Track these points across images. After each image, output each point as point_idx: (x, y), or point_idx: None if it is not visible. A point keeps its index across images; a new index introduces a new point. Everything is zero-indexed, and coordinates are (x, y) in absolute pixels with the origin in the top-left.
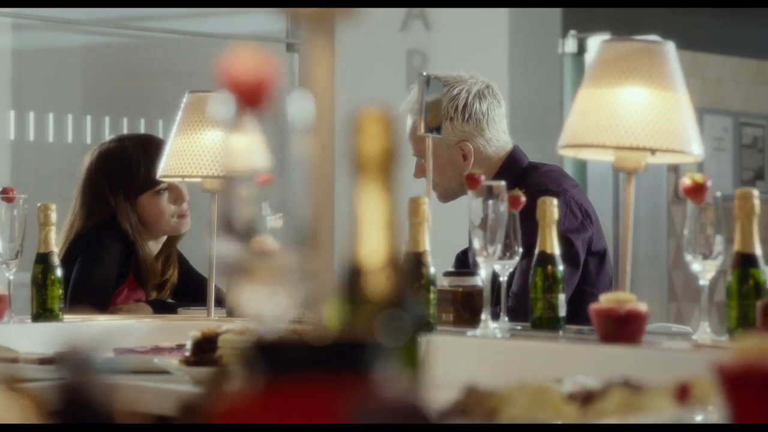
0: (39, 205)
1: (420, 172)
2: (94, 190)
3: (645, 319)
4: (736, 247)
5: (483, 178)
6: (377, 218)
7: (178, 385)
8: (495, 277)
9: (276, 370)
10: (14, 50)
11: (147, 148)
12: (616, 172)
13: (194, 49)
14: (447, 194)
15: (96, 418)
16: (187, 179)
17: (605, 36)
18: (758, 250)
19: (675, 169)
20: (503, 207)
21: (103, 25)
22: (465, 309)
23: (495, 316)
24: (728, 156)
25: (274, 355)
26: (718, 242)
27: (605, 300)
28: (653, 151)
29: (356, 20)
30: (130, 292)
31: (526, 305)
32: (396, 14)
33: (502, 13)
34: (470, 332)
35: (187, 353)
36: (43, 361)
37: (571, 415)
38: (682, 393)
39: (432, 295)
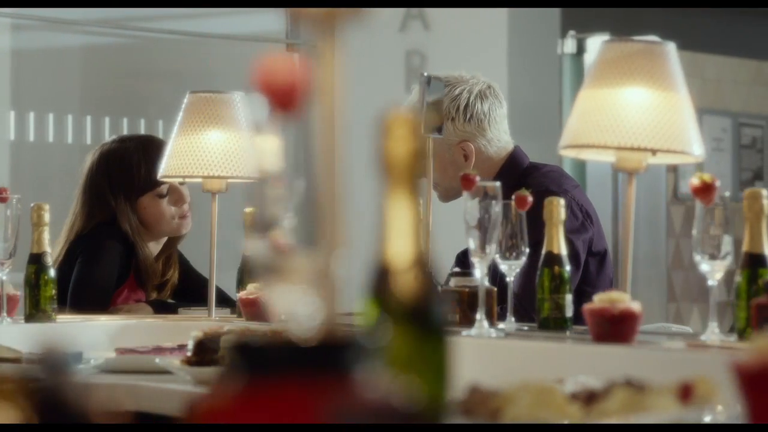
0: (32, 205)
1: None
2: (94, 190)
3: (638, 319)
4: (745, 247)
5: (478, 178)
6: (404, 219)
7: (179, 386)
8: (502, 277)
9: (256, 370)
10: (13, 50)
11: (148, 149)
12: (615, 173)
13: (194, 49)
14: (448, 194)
15: (71, 418)
16: (187, 180)
17: (604, 36)
18: None
19: (674, 170)
20: (498, 207)
21: (103, 25)
22: (471, 309)
23: (502, 316)
24: (727, 156)
25: (254, 356)
26: (727, 242)
27: (599, 300)
28: (654, 152)
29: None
30: (130, 292)
31: (526, 305)
32: (395, 15)
33: (501, 14)
34: (465, 332)
35: (189, 353)
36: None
37: (574, 414)
38: (685, 393)
39: None
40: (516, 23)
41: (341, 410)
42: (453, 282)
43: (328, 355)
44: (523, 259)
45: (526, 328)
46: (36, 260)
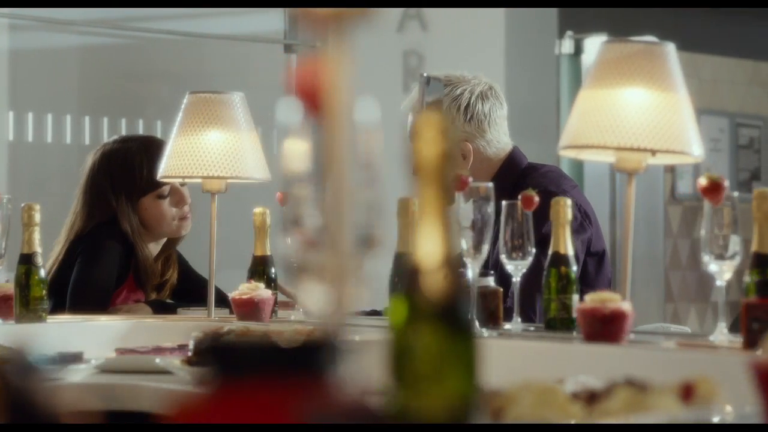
0: (23, 205)
1: None
2: (95, 190)
3: (629, 319)
4: (754, 247)
5: (470, 179)
6: (434, 219)
7: (179, 385)
8: (508, 277)
9: (229, 371)
10: (11, 51)
11: (150, 150)
12: (612, 173)
13: (192, 49)
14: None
15: (38, 419)
16: (187, 180)
17: (602, 37)
18: None
19: (671, 170)
20: (490, 208)
21: (101, 25)
22: (479, 309)
23: (508, 316)
24: (725, 157)
25: (226, 357)
26: (735, 242)
27: (590, 300)
28: (654, 152)
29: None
30: (129, 293)
31: (525, 305)
32: (392, 15)
33: (498, 14)
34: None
35: (190, 353)
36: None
37: (577, 414)
38: (687, 392)
39: None
40: (513, 23)
41: (313, 411)
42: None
43: (302, 357)
44: (530, 259)
45: (532, 328)
46: (27, 260)
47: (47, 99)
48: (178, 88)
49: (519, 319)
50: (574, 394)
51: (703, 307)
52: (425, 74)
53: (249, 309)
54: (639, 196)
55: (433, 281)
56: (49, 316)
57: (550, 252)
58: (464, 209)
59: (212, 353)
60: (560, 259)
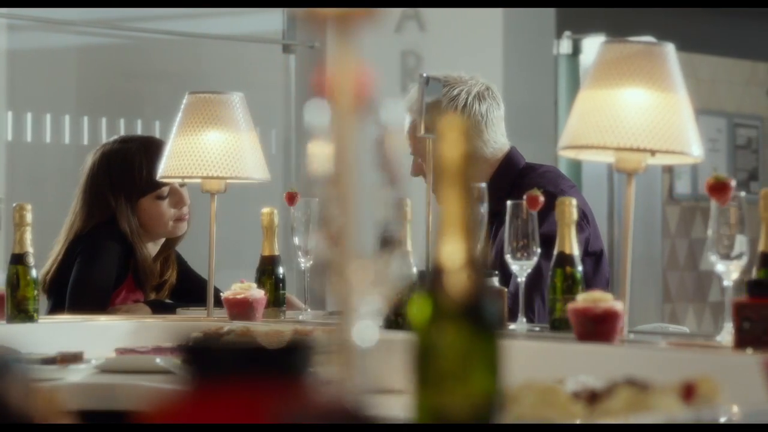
0: (14, 205)
1: (416, 170)
2: (95, 190)
3: (621, 319)
4: (761, 247)
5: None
6: (457, 219)
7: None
8: (507, 277)
9: (205, 372)
10: (9, 51)
11: (150, 150)
12: (610, 174)
13: (191, 49)
14: None
15: (12, 419)
16: (186, 180)
17: (600, 37)
18: None
19: (669, 170)
20: (483, 209)
21: (99, 26)
22: None
23: (514, 316)
24: (722, 157)
25: (203, 358)
26: (741, 242)
27: (582, 299)
28: (653, 153)
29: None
30: (128, 293)
31: (524, 305)
32: (390, 15)
33: (496, 14)
34: None
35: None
36: (46, 361)
37: (578, 413)
38: (688, 392)
39: None
40: (511, 24)
41: (290, 411)
42: None
43: (280, 358)
44: (535, 259)
45: (537, 329)
46: (18, 260)
47: (46, 99)
48: (177, 88)
49: (524, 320)
50: (575, 393)
51: (701, 307)
52: (425, 74)
53: (243, 309)
54: (637, 196)
55: (457, 281)
56: (48, 316)
57: (555, 252)
58: None
59: (189, 353)
60: (565, 259)
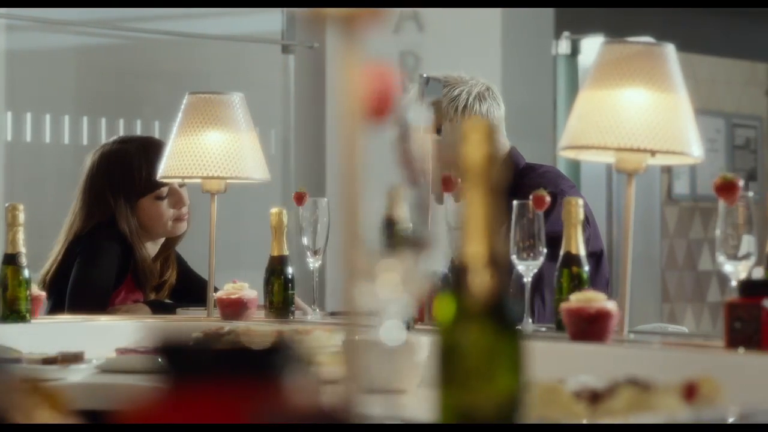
0: (7, 205)
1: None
2: (94, 191)
3: (614, 318)
4: None
5: (459, 180)
6: (480, 220)
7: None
8: (520, 277)
9: (181, 373)
10: (8, 51)
11: (149, 151)
12: (609, 174)
13: (190, 49)
14: (443, 196)
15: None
16: (186, 180)
17: (599, 37)
18: None
19: (668, 171)
20: None
21: (98, 26)
22: None
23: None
24: (721, 157)
25: (179, 359)
26: (748, 242)
27: (575, 299)
28: (653, 153)
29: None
30: (128, 293)
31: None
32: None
33: (495, 15)
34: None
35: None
36: (47, 361)
37: (581, 413)
38: (690, 392)
39: None
40: (510, 24)
41: (264, 413)
42: None
43: (254, 359)
44: (541, 260)
45: (544, 329)
46: (10, 260)
47: (45, 99)
48: (176, 88)
49: (530, 320)
50: (576, 393)
51: (700, 307)
52: (425, 75)
53: (237, 309)
54: (636, 196)
55: (481, 280)
56: (48, 316)
57: (561, 252)
58: (451, 210)
59: (164, 353)
60: (572, 260)
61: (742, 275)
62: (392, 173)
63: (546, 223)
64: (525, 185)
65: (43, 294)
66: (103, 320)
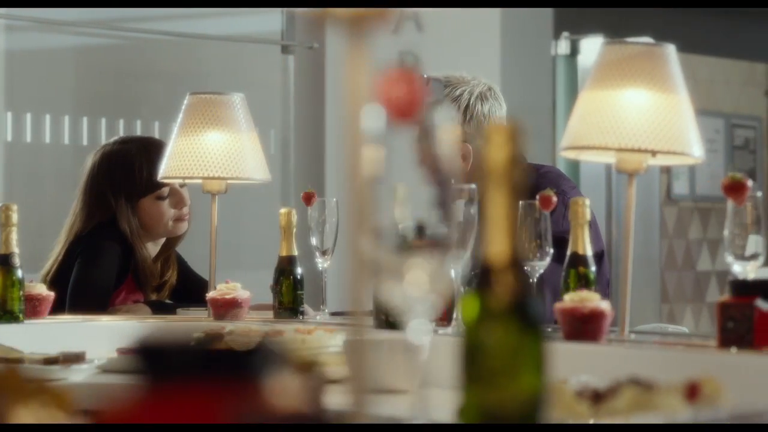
0: (0, 205)
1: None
2: (95, 191)
3: (608, 318)
4: None
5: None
6: (503, 220)
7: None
8: None
9: (158, 373)
10: (8, 51)
11: (150, 151)
12: (609, 174)
13: (190, 50)
14: None
15: None
16: (187, 180)
17: (598, 38)
18: None
19: (667, 171)
20: (473, 209)
21: (98, 26)
22: None
23: None
24: (720, 157)
25: (156, 359)
26: (756, 242)
27: (569, 299)
28: (654, 153)
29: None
30: (128, 293)
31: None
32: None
33: (494, 15)
34: (441, 330)
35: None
36: (48, 361)
37: (584, 413)
38: (692, 392)
39: None
40: (509, 24)
41: (240, 413)
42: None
43: (233, 360)
44: (548, 260)
45: (549, 329)
46: (4, 261)
47: (45, 100)
48: (176, 88)
49: None
50: (579, 393)
51: (699, 307)
52: (425, 75)
53: (231, 309)
54: (635, 196)
55: (505, 280)
56: (49, 317)
57: (568, 252)
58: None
59: (140, 354)
60: (579, 260)
61: (751, 276)
62: (415, 174)
63: None
64: (526, 185)
65: (52, 294)
66: (103, 320)
